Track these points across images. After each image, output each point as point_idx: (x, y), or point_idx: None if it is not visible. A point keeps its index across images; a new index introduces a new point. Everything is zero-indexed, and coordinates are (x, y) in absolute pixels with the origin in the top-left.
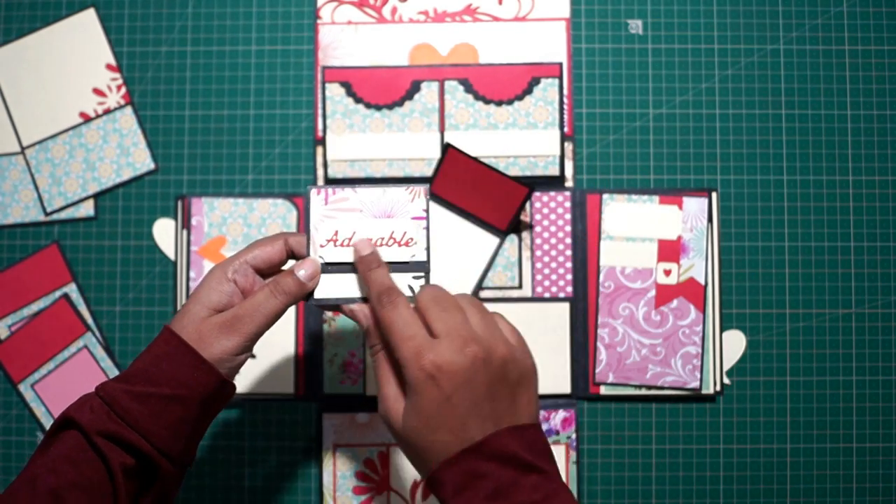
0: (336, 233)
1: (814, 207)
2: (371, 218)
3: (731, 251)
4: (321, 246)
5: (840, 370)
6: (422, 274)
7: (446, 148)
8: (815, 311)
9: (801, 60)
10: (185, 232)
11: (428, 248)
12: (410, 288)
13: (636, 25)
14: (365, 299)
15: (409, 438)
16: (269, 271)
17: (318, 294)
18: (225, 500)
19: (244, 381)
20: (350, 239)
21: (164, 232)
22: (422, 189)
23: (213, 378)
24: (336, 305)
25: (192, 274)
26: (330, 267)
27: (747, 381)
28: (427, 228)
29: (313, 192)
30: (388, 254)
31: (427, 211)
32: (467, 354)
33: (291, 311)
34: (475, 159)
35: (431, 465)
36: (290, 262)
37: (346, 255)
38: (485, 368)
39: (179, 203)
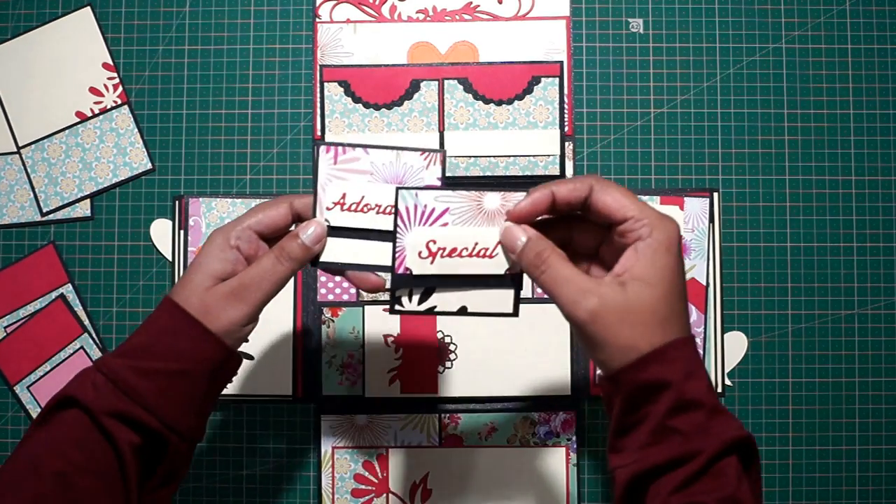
0: (344, 195)
1: (816, 208)
2: (382, 182)
3: (733, 252)
4: (328, 209)
5: (842, 371)
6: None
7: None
8: (818, 312)
9: (802, 60)
10: (182, 232)
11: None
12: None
13: (637, 24)
14: (369, 267)
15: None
16: (272, 236)
17: (323, 258)
18: (223, 502)
19: (242, 382)
20: (358, 203)
21: (161, 232)
22: (438, 155)
23: (220, 351)
24: (341, 270)
25: None
26: (336, 230)
27: (749, 383)
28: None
29: (322, 149)
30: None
31: (442, 179)
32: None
33: (289, 313)
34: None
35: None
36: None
37: (354, 220)
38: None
39: (177, 203)
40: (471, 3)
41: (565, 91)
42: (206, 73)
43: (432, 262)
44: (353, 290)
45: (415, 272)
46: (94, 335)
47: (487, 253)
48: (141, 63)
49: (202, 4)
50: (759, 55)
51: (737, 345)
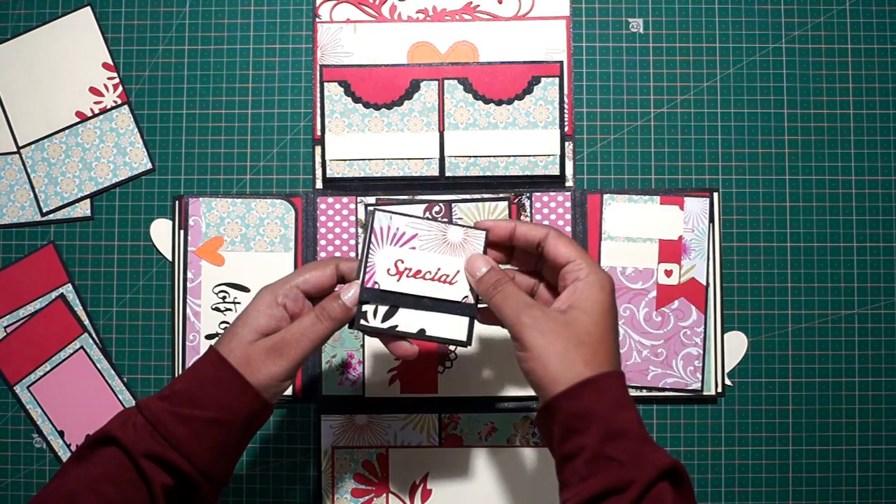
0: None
1: (816, 208)
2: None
3: (733, 252)
4: (384, 273)
5: (842, 371)
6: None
7: None
8: (818, 312)
9: (802, 60)
10: (182, 232)
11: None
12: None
13: (637, 24)
14: (410, 335)
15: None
16: (318, 296)
17: (366, 321)
18: (223, 502)
19: None
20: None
21: (161, 232)
22: (482, 235)
23: (257, 403)
24: (379, 334)
25: (189, 275)
26: (384, 295)
27: (749, 383)
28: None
29: (379, 214)
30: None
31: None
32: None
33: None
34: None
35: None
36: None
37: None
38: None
39: (177, 203)
40: (471, 3)
41: (565, 91)
42: (206, 73)
43: (398, 280)
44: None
45: (381, 288)
46: (94, 335)
47: (448, 279)
48: (141, 63)
49: (202, 4)
50: (759, 55)
51: (737, 345)
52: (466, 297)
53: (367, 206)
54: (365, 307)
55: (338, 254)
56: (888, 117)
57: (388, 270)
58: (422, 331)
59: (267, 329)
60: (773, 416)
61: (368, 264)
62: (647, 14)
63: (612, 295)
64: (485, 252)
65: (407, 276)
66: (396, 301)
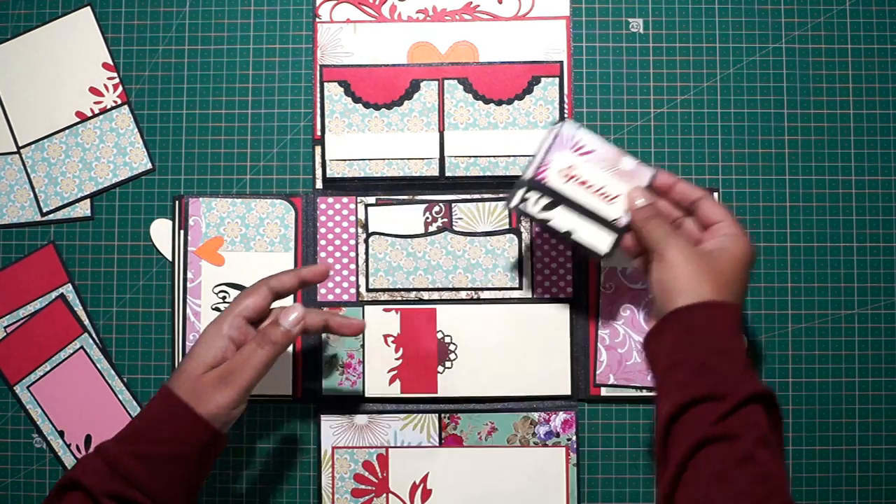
0: (570, 167)
1: (816, 208)
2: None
3: None
4: (546, 170)
5: (842, 371)
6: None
7: None
8: (818, 312)
9: (802, 59)
10: (182, 232)
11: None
12: None
13: (637, 24)
14: (559, 233)
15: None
16: (261, 318)
17: (525, 207)
18: (223, 502)
19: None
20: (578, 178)
21: (161, 232)
22: (650, 173)
23: (208, 433)
24: (532, 221)
25: (189, 275)
26: (549, 191)
27: None
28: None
29: (569, 122)
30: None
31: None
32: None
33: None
34: None
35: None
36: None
37: (567, 189)
38: None
39: (177, 203)
40: (471, 3)
41: (565, 91)
42: (206, 73)
43: (565, 182)
44: (352, 290)
45: (549, 184)
46: (94, 335)
47: (608, 198)
48: (141, 63)
49: (202, 4)
50: (759, 55)
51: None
52: (619, 218)
53: (554, 123)
54: (529, 195)
55: (337, 253)
56: (888, 117)
57: (560, 171)
58: (569, 232)
59: (214, 361)
60: None
61: (545, 161)
62: (647, 14)
63: (749, 260)
64: (649, 185)
65: (574, 182)
66: (558, 199)
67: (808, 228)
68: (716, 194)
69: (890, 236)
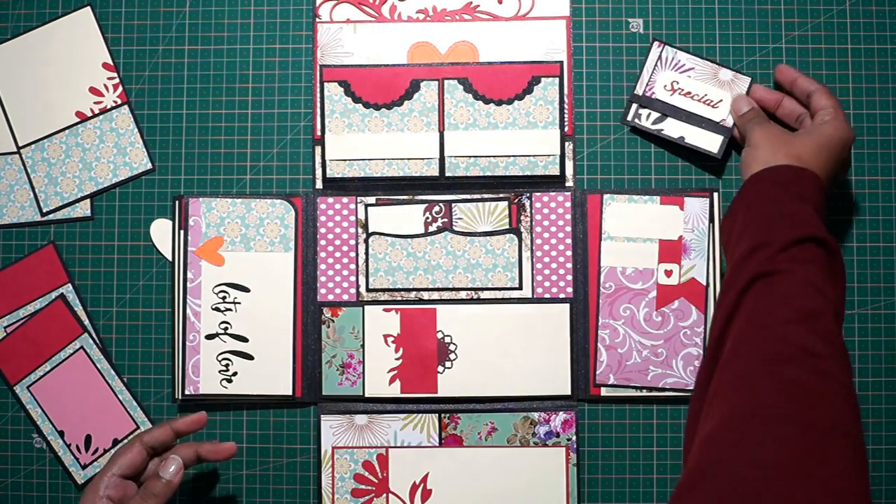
0: (673, 83)
1: None
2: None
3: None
4: (654, 87)
5: None
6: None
7: None
8: None
9: (802, 60)
10: (182, 232)
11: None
12: None
13: (637, 24)
14: (672, 139)
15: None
16: (137, 475)
17: (640, 121)
18: (223, 502)
19: (242, 382)
20: (682, 90)
21: (161, 232)
22: (747, 80)
23: None
24: (645, 135)
25: (189, 275)
26: (658, 104)
27: None
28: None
29: (667, 47)
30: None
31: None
32: None
33: (289, 313)
34: None
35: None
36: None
37: (674, 101)
38: None
39: (177, 203)
40: (471, 3)
41: (565, 91)
42: (206, 73)
43: (671, 95)
44: (352, 290)
45: (658, 97)
46: (94, 335)
47: (712, 104)
48: (141, 63)
49: (202, 4)
50: (759, 55)
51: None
52: (724, 119)
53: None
54: (641, 111)
55: (337, 253)
56: (888, 117)
57: (665, 87)
58: (682, 137)
59: None
60: None
61: (651, 81)
62: (647, 14)
63: (840, 138)
64: (747, 94)
65: (679, 94)
66: (666, 111)
67: None
68: (716, 195)
69: (890, 236)
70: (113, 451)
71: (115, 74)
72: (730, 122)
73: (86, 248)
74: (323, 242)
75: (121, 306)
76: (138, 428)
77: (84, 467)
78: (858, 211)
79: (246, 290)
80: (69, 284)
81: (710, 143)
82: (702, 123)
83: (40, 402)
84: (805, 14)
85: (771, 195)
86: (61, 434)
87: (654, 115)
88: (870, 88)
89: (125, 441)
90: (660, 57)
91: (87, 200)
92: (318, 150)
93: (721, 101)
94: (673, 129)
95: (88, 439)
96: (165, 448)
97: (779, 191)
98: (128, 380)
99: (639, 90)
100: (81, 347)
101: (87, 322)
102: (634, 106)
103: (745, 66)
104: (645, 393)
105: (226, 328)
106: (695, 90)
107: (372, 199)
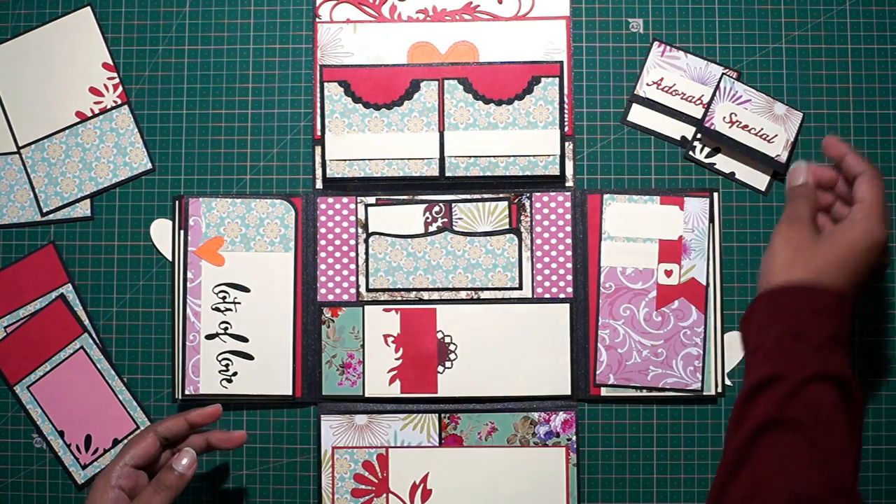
0: (731, 115)
1: None
2: (690, 79)
3: (733, 252)
4: (647, 85)
5: None
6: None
7: None
8: None
9: (802, 60)
10: (182, 232)
11: None
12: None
13: (637, 24)
14: (723, 174)
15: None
16: (149, 465)
17: (694, 153)
18: (223, 502)
19: (242, 382)
20: (740, 123)
21: (161, 232)
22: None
23: None
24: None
25: (189, 275)
26: (716, 135)
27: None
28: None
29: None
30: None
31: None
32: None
33: (289, 313)
34: None
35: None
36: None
37: (731, 133)
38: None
39: (177, 203)
40: (471, 3)
41: (565, 91)
42: (206, 73)
43: (730, 128)
44: (352, 290)
45: (716, 129)
46: (94, 335)
47: (767, 139)
48: (141, 63)
49: (202, 4)
50: (759, 55)
51: (737, 345)
52: (779, 155)
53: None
54: (696, 143)
55: (337, 253)
56: (888, 117)
57: (724, 119)
58: (732, 173)
59: None
60: None
61: (710, 111)
62: (647, 14)
63: (868, 244)
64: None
65: (737, 126)
66: (722, 142)
67: None
68: (716, 195)
69: (892, 237)
70: (123, 442)
71: (115, 74)
72: (784, 157)
73: (86, 248)
74: (323, 242)
75: (121, 306)
76: (138, 428)
77: (84, 467)
78: None
79: (246, 290)
80: (69, 284)
81: (759, 181)
82: (756, 156)
83: (40, 402)
84: (805, 14)
85: (783, 318)
86: (61, 434)
87: (707, 150)
88: (870, 88)
89: (137, 432)
90: (718, 87)
91: (87, 200)
92: (318, 150)
93: (776, 135)
94: (725, 164)
95: (88, 439)
96: (179, 439)
97: (792, 314)
98: (128, 380)
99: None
100: (81, 347)
101: (87, 322)
102: (689, 138)
103: (745, 66)
104: (645, 393)
105: (226, 328)
106: (752, 123)
107: (372, 199)
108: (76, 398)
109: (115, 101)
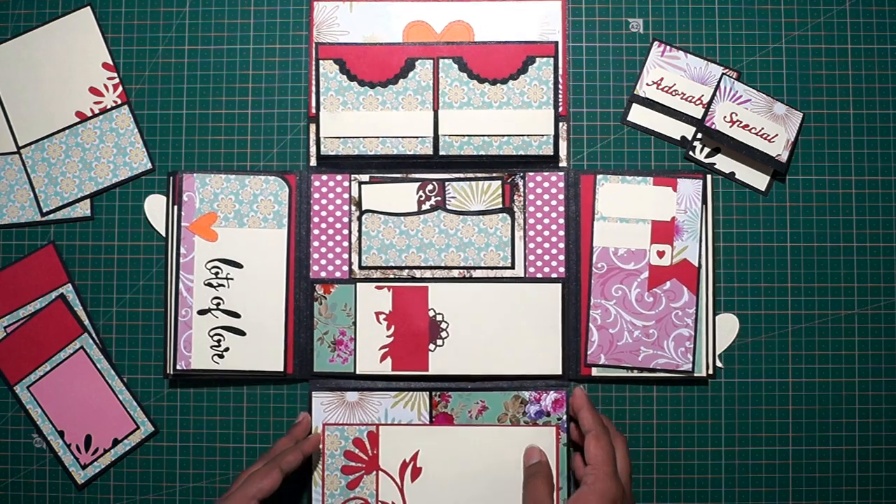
0: (731, 114)
1: (816, 207)
2: (690, 79)
3: (733, 252)
4: (647, 84)
5: (842, 371)
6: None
7: None
8: (818, 312)
9: (802, 60)
10: (175, 208)
11: None
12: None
13: (637, 24)
14: (723, 174)
15: None
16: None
17: (694, 153)
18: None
19: (234, 358)
20: (741, 122)
21: (155, 208)
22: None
23: None
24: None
25: (182, 250)
26: (715, 134)
27: (749, 383)
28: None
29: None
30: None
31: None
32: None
33: (281, 289)
34: None
35: None
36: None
37: (732, 132)
38: None
39: (171, 179)
40: None
41: (560, 71)
42: (206, 73)
43: (730, 127)
44: (345, 268)
45: (716, 128)
46: (94, 335)
47: (768, 138)
48: (141, 63)
49: (202, 4)
50: (759, 55)
51: (728, 326)
52: (779, 154)
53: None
54: (696, 143)
55: (330, 230)
56: (888, 117)
57: (724, 118)
58: (732, 173)
59: None
60: (773, 416)
61: (711, 111)
62: (647, 14)
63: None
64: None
65: (738, 126)
66: (722, 141)
67: (808, 228)
68: (709, 177)
69: (890, 236)
70: (245, 474)
71: (115, 74)
72: (784, 157)
73: (86, 248)
74: (316, 220)
75: (121, 306)
76: (138, 428)
77: (84, 467)
78: (858, 211)
79: (239, 265)
80: (69, 284)
81: (759, 181)
82: (756, 156)
83: (40, 402)
84: (805, 14)
85: None
86: (61, 434)
87: (706, 150)
88: (870, 88)
89: (259, 465)
90: (718, 87)
91: (87, 200)
92: (312, 127)
93: (777, 135)
94: (725, 164)
95: (88, 439)
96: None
97: None
98: (128, 380)
99: (698, 116)
100: (81, 347)
101: (87, 322)
102: (689, 138)
103: (745, 66)
104: (636, 373)
105: (218, 304)
106: (752, 122)
107: (366, 177)
108: (76, 398)
109: (115, 101)
